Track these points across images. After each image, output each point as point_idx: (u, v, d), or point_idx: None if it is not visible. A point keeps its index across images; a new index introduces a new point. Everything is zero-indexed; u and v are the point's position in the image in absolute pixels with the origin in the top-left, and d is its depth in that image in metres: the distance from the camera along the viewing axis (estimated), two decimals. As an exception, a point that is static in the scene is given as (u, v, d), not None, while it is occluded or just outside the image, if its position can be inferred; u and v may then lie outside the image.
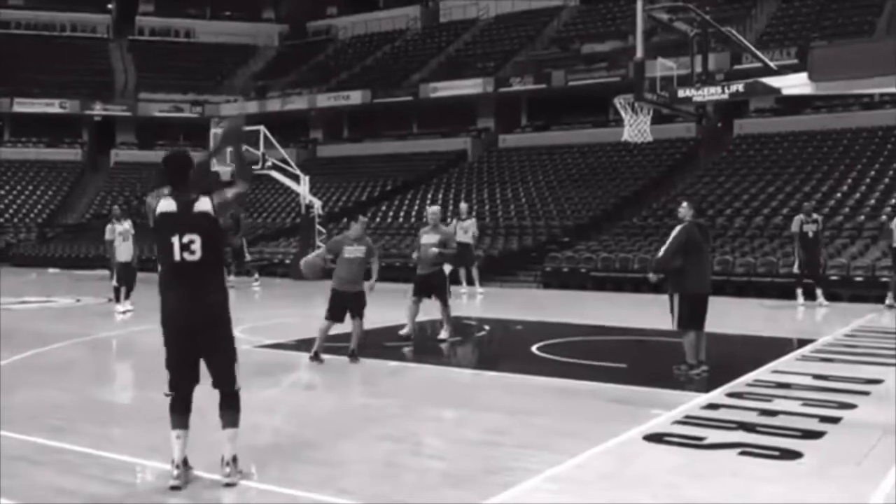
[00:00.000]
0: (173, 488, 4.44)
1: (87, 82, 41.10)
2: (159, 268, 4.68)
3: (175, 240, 4.52)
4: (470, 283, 17.50)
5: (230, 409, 4.68)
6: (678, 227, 8.07)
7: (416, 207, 27.79)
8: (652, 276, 8.12)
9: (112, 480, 4.60)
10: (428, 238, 10.38)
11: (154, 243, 4.66)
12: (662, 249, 8.06)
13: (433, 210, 10.80)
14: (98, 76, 42.18)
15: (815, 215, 15.28)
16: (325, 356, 9.85)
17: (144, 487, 4.65)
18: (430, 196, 28.81)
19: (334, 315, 9.21)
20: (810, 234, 14.93)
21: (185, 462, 4.57)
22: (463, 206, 18.50)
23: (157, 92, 41.08)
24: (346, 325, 11.47)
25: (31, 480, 4.67)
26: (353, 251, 9.57)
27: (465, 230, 17.19)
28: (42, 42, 43.02)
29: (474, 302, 16.24)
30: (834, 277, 16.37)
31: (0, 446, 5.33)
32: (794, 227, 15.22)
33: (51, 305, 15.49)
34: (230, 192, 4.71)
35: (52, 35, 44.08)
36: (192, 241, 4.51)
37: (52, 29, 44.47)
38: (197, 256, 4.52)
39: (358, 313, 9.23)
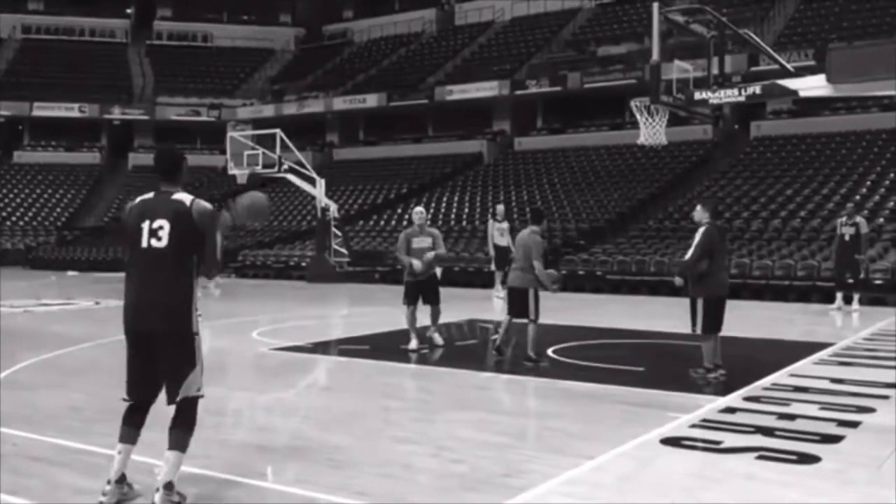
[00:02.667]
0: None
1: (106, 86, 41.47)
2: (125, 260, 4.41)
3: (145, 224, 4.26)
4: (503, 284, 17.37)
5: (179, 427, 4.24)
6: (701, 230, 7.99)
7: (431, 210, 27.82)
8: (678, 280, 8.02)
9: (133, 481, 4.63)
10: (420, 242, 9.82)
11: (127, 233, 4.36)
12: (689, 253, 7.97)
13: (419, 211, 10.13)
14: (116, 80, 42.56)
15: (857, 218, 14.87)
16: (342, 358, 9.89)
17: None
18: (445, 199, 28.86)
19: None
20: (846, 237, 14.64)
21: (121, 479, 4.26)
22: (500, 207, 17.90)
23: (174, 96, 41.39)
24: (364, 328, 11.50)
25: (51, 481, 4.71)
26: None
27: (502, 233, 17.02)
28: (61, 47, 43.47)
29: (492, 304, 16.23)
30: (850, 280, 16.24)
31: (21, 446, 5.39)
32: (838, 230, 15.08)
33: (70, 308, 15.63)
34: (209, 206, 4.38)
35: (72, 40, 44.53)
36: (160, 227, 4.21)
37: (72, 34, 44.91)
38: (163, 243, 4.20)
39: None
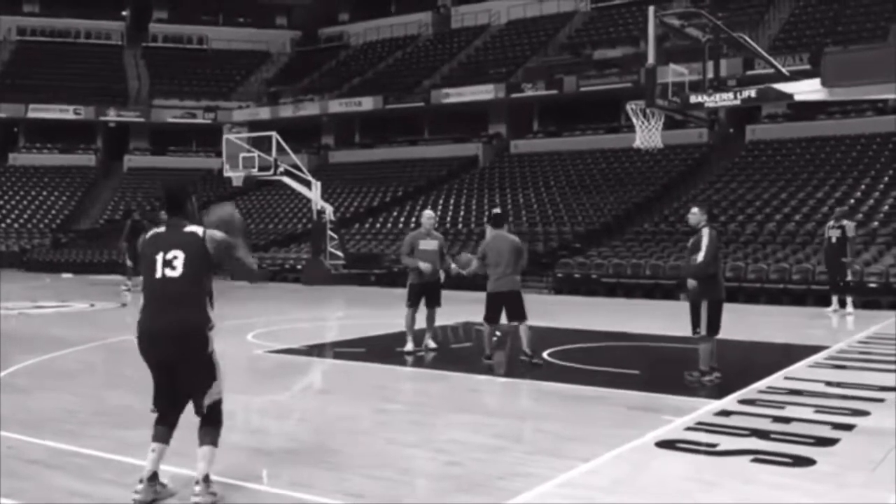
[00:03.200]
0: (136, 502, 4.31)
1: (102, 89, 41.42)
2: (142, 290, 4.59)
3: (159, 256, 4.46)
4: None
5: (208, 425, 4.50)
6: (707, 232, 7.96)
7: (433, 213, 27.78)
8: (691, 283, 7.96)
9: (125, 484, 4.62)
10: (426, 245, 9.83)
11: (141, 265, 4.58)
12: (701, 255, 7.88)
13: (430, 215, 10.19)
14: (112, 83, 42.51)
15: (843, 220, 14.91)
16: (338, 361, 9.89)
17: (162, 492, 4.66)
18: (441, 202, 28.86)
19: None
20: (833, 240, 14.73)
21: (153, 477, 4.40)
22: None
23: (170, 98, 41.35)
24: (359, 330, 11.50)
25: (46, 483, 4.70)
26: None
27: None
28: (57, 49, 43.42)
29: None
30: (840, 283, 16.28)
31: (15, 449, 5.38)
32: (826, 233, 15.13)
33: (65, 310, 15.59)
34: (223, 241, 4.55)
35: (67, 42, 44.47)
36: (175, 258, 4.43)
37: (67, 36, 44.85)
38: (178, 273, 4.40)
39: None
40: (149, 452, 4.45)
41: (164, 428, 4.50)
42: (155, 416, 4.56)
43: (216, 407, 4.55)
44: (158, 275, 4.45)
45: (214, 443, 4.47)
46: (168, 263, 4.43)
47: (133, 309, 4.67)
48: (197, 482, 4.35)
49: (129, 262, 19.82)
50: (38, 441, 5.58)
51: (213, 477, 4.46)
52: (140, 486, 4.36)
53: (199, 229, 4.51)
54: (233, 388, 4.80)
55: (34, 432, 5.79)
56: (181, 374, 4.47)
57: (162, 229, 4.58)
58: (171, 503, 4.39)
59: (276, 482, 4.81)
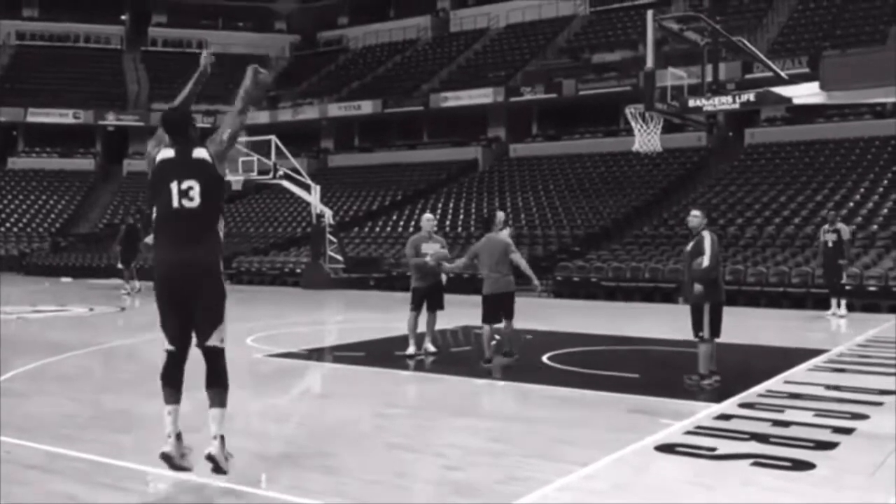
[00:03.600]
0: (164, 455, 4.45)
1: (101, 93, 41.44)
2: (154, 216, 4.56)
3: (174, 185, 4.41)
4: None
5: (215, 385, 4.55)
6: (708, 235, 7.98)
7: (433, 216, 27.78)
8: (699, 287, 7.95)
9: (123, 488, 4.62)
10: (428, 248, 9.76)
11: (151, 192, 4.57)
12: (706, 259, 7.83)
13: (429, 218, 10.20)
14: (111, 87, 42.54)
15: (838, 224, 14.99)
16: (337, 365, 9.89)
17: (155, 495, 4.66)
18: (440, 205, 28.87)
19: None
20: (829, 244, 14.79)
21: (178, 436, 4.52)
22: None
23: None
24: (359, 334, 11.49)
25: (44, 488, 4.69)
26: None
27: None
28: (56, 53, 43.45)
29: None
30: (847, 287, 16.27)
31: (13, 454, 5.36)
32: (821, 237, 15.19)
33: (64, 314, 15.58)
34: (224, 134, 4.60)
35: (66, 46, 44.50)
36: (190, 188, 4.41)
37: (66, 40, 44.88)
38: (195, 203, 4.40)
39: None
40: (165, 416, 4.52)
41: (173, 389, 4.56)
42: (160, 380, 4.60)
43: (220, 355, 4.58)
44: (175, 204, 4.43)
45: (224, 404, 4.55)
46: (184, 194, 4.42)
47: (132, 313, 4.66)
48: (214, 437, 4.46)
49: (121, 266, 19.99)
50: (36, 446, 5.56)
51: (206, 480, 4.45)
52: (171, 441, 4.46)
53: (206, 154, 4.51)
54: (231, 391, 4.79)
55: (32, 437, 5.77)
56: (198, 302, 4.50)
57: (171, 154, 4.52)
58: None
59: (274, 486, 4.79)
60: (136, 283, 19.70)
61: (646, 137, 10.25)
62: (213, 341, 4.54)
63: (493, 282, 9.11)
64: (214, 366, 4.57)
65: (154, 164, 4.56)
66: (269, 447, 5.73)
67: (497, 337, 9.55)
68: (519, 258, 9.27)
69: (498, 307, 9.13)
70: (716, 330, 7.95)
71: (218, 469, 4.49)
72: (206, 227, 4.47)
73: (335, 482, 4.82)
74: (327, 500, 4.46)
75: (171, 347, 4.58)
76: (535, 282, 9.30)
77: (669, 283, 18.27)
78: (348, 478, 4.90)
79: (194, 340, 4.61)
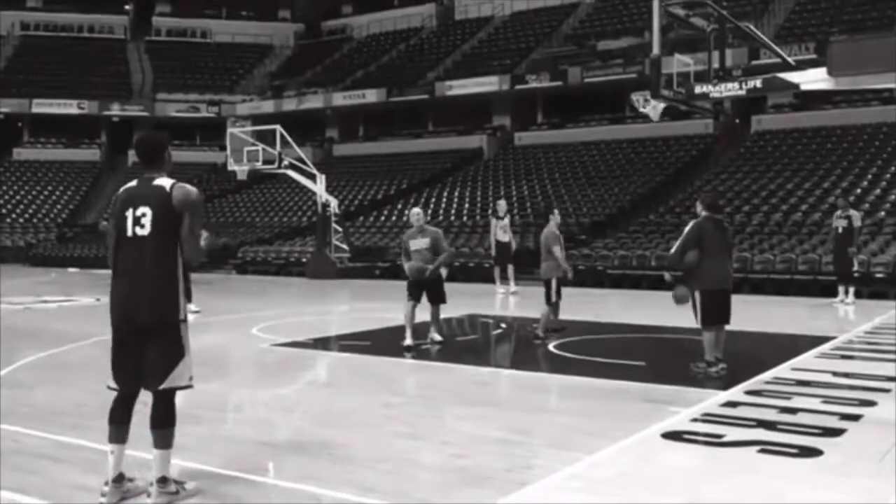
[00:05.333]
0: None
1: (105, 83, 41.44)
2: (111, 246, 4.38)
3: (129, 213, 4.25)
4: (504, 281, 17.40)
5: (159, 427, 4.23)
6: (689, 225, 8.05)
7: (431, 206, 27.81)
8: (667, 276, 8.05)
9: (132, 477, 4.63)
10: (417, 244, 9.61)
11: (112, 222, 4.37)
12: (674, 246, 8.06)
13: (416, 212, 9.87)
14: (115, 77, 42.52)
15: (850, 210, 14.89)
16: (343, 354, 9.90)
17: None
18: (445, 194, 28.84)
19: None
20: (840, 230, 14.72)
21: (119, 478, 4.26)
22: (501, 203, 17.83)
23: (173, 92, 41.36)
24: (365, 323, 11.49)
25: (54, 478, 4.71)
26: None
27: (504, 229, 17.03)
28: (60, 43, 43.42)
29: (494, 300, 16.23)
30: (855, 274, 16.20)
31: (22, 443, 5.39)
32: (833, 223, 15.17)
33: (71, 305, 15.63)
34: (191, 189, 4.30)
35: (70, 36, 44.47)
36: (143, 215, 4.21)
37: (70, 30, 44.85)
38: (147, 231, 4.18)
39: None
40: (108, 455, 4.28)
41: (119, 426, 4.31)
42: (108, 417, 4.39)
43: (170, 395, 4.27)
44: (129, 233, 4.25)
45: (168, 445, 4.24)
46: (137, 221, 4.23)
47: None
48: (151, 483, 4.21)
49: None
50: (45, 435, 5.59)
51: (214, 469, 4.45)
52: (107, 489, 4.23)
53: (167, 182, 4.27)
54: (238, 380, 4.80)
55: (41, 426, 5.80)
56: (148, 341, 4.23)
57: (134, 183, 4.37)
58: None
59: (282, 475, 4.80)
60: None
61: (650, 110, 10.17)
62: (177, 382, 4.26)
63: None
64: (161, 405, 4.28)
65: (118, 195, 4.42)
66: (275, 436, 5.75)
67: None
68: (558, 250, 10.35)
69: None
70: (711, 318, 7.90)
71: None
72: (158, 255, 4.21)
73: (342, 470, 4.83)
74: (334, 489, 4.47)
75: (114, 386, 4.36)
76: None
77: (676, 272, 18.22)
78: (355, 466, 4.92)
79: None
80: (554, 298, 10.43)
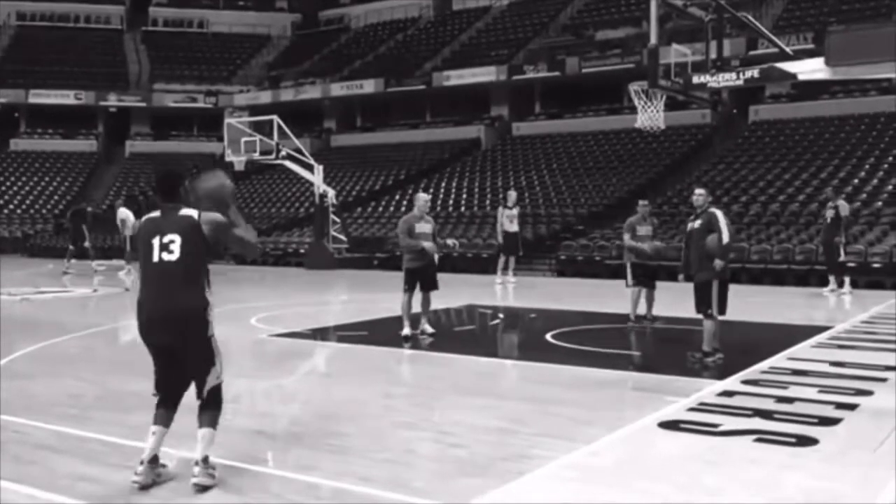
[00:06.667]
0: (136, 484, 4.34)
1: (102, 73, 41.29)
2: (139, 276, 4.63)
3: (156, 241, 4.48)
4: (505, 271, 17.37)
5: (207, 408, 4.53)
6: (720, 212, 8.03)
7: (429, 196, 27.76)
8: (718, 264, 7.94)
9: (131, 468, 4.64)
10: (422, 227, 9.63)
11: (138, 250, 4.63)
12: (726, 235, 7.85)
13: (426, 198, 9.99)
14: (112, 67, 42.37)
15: (838, 201, 15.03)
16: (341, 345, 9.92)
17: (164, 475, 4.69)
18: (443, 185, 28.82)
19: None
20: (828, 220, 14.85)
21: (154, 460, 4.44)
22: (511, 193, 17.76)
23: (171, 82, 41.22)
24: (363, 314, 11.50)
25: (53, 468, 4.73)
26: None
27: (512, 219, 16.98)
28: (57, 34, 43.25)
29: (493, 290, 16.24)
30: (851, 264, 16.23)
31: (22, 434, 5.40)
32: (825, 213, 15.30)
33: (68, 295, 15.63)
34: (215, 217, 4.56)
35: (67, 27, 44.30)
36: (171, 241, 4.45)
37: (67, 20, 44.67)
38: (175, 256, 4.43)
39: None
40: (149, 435, 4.48)
41: (165, 411, 4.54)
42: (156, 399, 4.59)
43: (216, 391, 4.57)
44: (156, 259, 4.47)
45: (213, 425, 4.50)
46: (165, 247, 4.45)
47: (135, 294, 4.66)
48: (196, 463, 4.39)
49: (71, 247, 20.92)
50: (44, 426, 5.60)
51: (215, 459, 4.47)
52: (140, 469, 4.39)
53: (194, 212, 4.52)
54: (237, 371, 4.82)
55: (39, 417, 5.82)
56: (181, 358, 4.50)
57: (157, 213, 4.58)
58: (172, 486, 4.41)
59: (281, 465, 4.83)
60: (71, 263, 20.95)
61: (649, 114, 10.19)
62: (209, 385, 4.54)
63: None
64: (211, 397, 4.57)
65: (140, 223, 4.66)
66: (274, 426, 5.77)
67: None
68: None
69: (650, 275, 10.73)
70: (723, 307, 7.96)
71: (204, 489, 4.39)
72: (188, 279, 4.46)
73: (341, 460, 4.85)
74: (333, 479, 4.49)
75: (157, 394, 4.60)
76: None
77: (672, 261, 18.24)
78: (354, 456, 4.94)
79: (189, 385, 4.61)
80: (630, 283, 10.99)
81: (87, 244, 21.13)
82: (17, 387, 6.93)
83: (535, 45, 34.47)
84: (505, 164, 29.69)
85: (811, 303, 14.07)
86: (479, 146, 33.06)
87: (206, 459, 4.41)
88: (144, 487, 4.35)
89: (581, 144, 29.70)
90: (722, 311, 7.97)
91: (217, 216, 4.56)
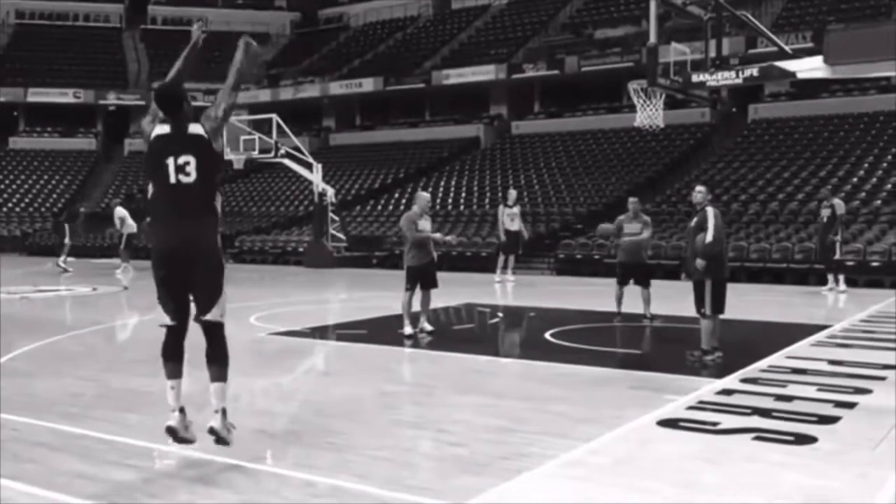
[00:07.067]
0: (169, 428, 4.52)
1: (101, 72, 41.28)
2: (150, 192, 4.61)
3: (170, 161, 4.43)
4: (504, 270, 17.37)
5: (215, 362, 4.58)
6: (712, 210, 7.95)
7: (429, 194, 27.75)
8: (700, 263, 7.93)
9: (129, 465, 4.65)
10: (424, 225, 9.64)
11: (147, 168, 4.61)
12: (710, 234, 7.82)
13: (427, 197, 10.04)
14: (111, 66, 42.36)
15: (833, 200, 15.13)
16: (340, 343, 9.92)
17: (161, 472, 4.70)
18: (442, 183, 28.81)
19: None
20: (824, 219, 14.92)
21: (182, 410, 4.58)
22: (512, 192, 17.76)
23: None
24: (362, 312, 11.50)
25: (51, 466, 4.72)
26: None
27: (513, 218, 16.98)
28: (56, 32, 43.24)
29: (492, 289, 16.24)
30: (850, 263, 16.25)
31: (20, 432, 5.40)
32: (820, 212, 15.39)
33: (67, 294, 15.62)
34: (219, 110, 4.59)
35: (66, 25, 44.28)
36: (187, 163, 4.42)
37: (66, 19, 44.65)
38: (192, 178, 4.42)
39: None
40: (168, 391, 4.56)
41: (174, 363, 4.60)
42: (161, 355, 4.64)
43: (220, 329, 4.62)
44: (173, 180, 4.45)
45: (224, 378, 4.59)
46: (181, 169, 4.43)
47: (134, 293, 4.68)
48: (216, 411, 4.52)
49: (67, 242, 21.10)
50: (42, 423, 5.60)
51: (213, 457, 4.47)
52: (176, 415, 4.52)
53: (202, 130, 4.51)
54: (235, 369, 4.81)
55: (38, 415, 5.81)
56: (196, 276, 4.52)
57: (167, 130, 4.53)
58: (171, 484, 4.40)
59: (280, 463, 4.82)
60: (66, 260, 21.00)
61: (648, 113, 10.20)
62: (212, 315, 4.58)
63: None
64: (214, 340, 4.62)
65: (150, 139, 4.57)
66: (273, 424, 5.76)
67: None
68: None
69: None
70: (719, 306, 7.95)
71: (221, 441, 4.56)
72: (204, 201, 4.49)
73: (340, 458, 4.85)
74: (332, 477, 4.49)
75: (169, 322, 4.60)
76: None
77: (672, 260, 18.25)
78: (352, 454, 4.93)
79: (193, 314, 4.65)
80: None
81: (66, 241, 21.28)
82: (17, 385, 6.92)
83: (534, 44, 34.45)
84: (504, 162, 29.69)
85: (810, 301, 14.07)
86: (479, 145, 33.05)
87: (224, 411, 4.51)
88: (174, 431, 4.51)
89: (580, 143, 29.69)
90: (718, 310, 7.95)
91: (213, 113, 4.56)
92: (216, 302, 4.56)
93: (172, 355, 4.60)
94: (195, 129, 4.50)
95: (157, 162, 4.47)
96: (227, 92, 4.66)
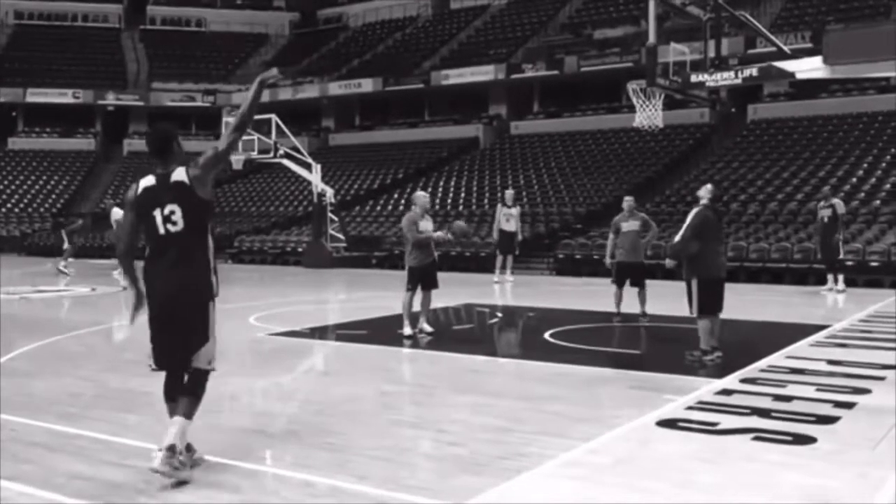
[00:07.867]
0: (154, 470, 4.26)
1: (100, 72, 41.28)
2: (146, 248, 4.58)
3: (157, 212, 4.44)
4: (503, 270, 17.36)
5: (187, 394, 4.47)
6: (694, 211, 7.99)
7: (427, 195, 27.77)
8: (668, 263, 8.01)
9: (127, 466, 4.64)
10: (426, 225, 9.64)
11: (137, 221, 4.55)
12: (679, 234, 7.95)
13: (425, 196, 9.99)
14: (110, 66, 42.36)
15: (832, 200, 15.15)
16: (340, 343, 9.91)
17: (198, 460, 4.68)
18: (441, 183, 28.81)
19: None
20: (825, 220, 14.92)
21: (188, 448, 4.51)
22: (509, 192, 17.78)
23: (169, 81, 41.20)
24: (361, 312, 11.49)
25: (48, 466, 4.71)
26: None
27: (509, 218, 16.98)
28: (55, 32, 43.24)
29: (491, 289, 16.23)
30: (849, 263, 16.25)
31: (19, 432, 5.39)
32: (817, 213, 15.40)
33: (66, 294, 15.61)
34: (206, 156, 4.52)
35: (65, 25, 44.29)
36: (172, 212, 4.42)
37: (65, 19, 44.66)
38: (180, 227, 4.43)
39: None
40: (168, 428, 4.48)
41: (175, 404, 4.52)
42: (163, 396, 4.58)
43: (202, 377, 4.53)
44: (162, 231, 4.45)
45: (189, 415, 4.44)
46: (167, 219, 4.43)
47: (131, 294, 4.67)
48: (160, 449, 4.26)
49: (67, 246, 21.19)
50: (40, 424, 5.59)
51: (213, 457, 4.46)
52: (182, 457, 4.32)
53: (184, 176, 4.44)
54: (235, 369, 4.82)
55: (36, 415, 5.80)
56: (181, 323, 4.46)
57: (152, 181, 4.51)
58: (169, 484, 4.39)
59: (279, 463, 4.82)
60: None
61: (647, 113, 10.21)
62: (198, 363, 4.51)
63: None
64: (194, 379, 4.54)
65: (137, 194, 4.54)
66: (273, 424, 5.76)
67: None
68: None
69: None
70: (707, 307, 7.91)
71: (174, 480, 4.26)
72: (194, 248, 4.48)
73: (339, 458, 4.84)
74: (331, 477, 4.49)
75: (153, 366, 4.57)
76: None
77: (674, 260, 18.26)
78: (352, 454, 4.93)
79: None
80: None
81: (65, 246, 21.35)
82: (15, 385, 6.92)
83: (533, 44, 34.47)
84: (503, 162, 29.70)
85: (809, 301, 14.07)
86: (478, 145, 33.06)
87: (171, 448, 4.25)
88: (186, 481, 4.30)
89: (579, 143, 29.70)
90: (708, 311, 7.91)
91: (201, 160, 4.48)
92: (202, 349, 4.50)
93: (170, 396, 4.56)
94: (178, 175, 4.47)
95: (145, 213, 4.48)
96: (230, 131, 4.58)
